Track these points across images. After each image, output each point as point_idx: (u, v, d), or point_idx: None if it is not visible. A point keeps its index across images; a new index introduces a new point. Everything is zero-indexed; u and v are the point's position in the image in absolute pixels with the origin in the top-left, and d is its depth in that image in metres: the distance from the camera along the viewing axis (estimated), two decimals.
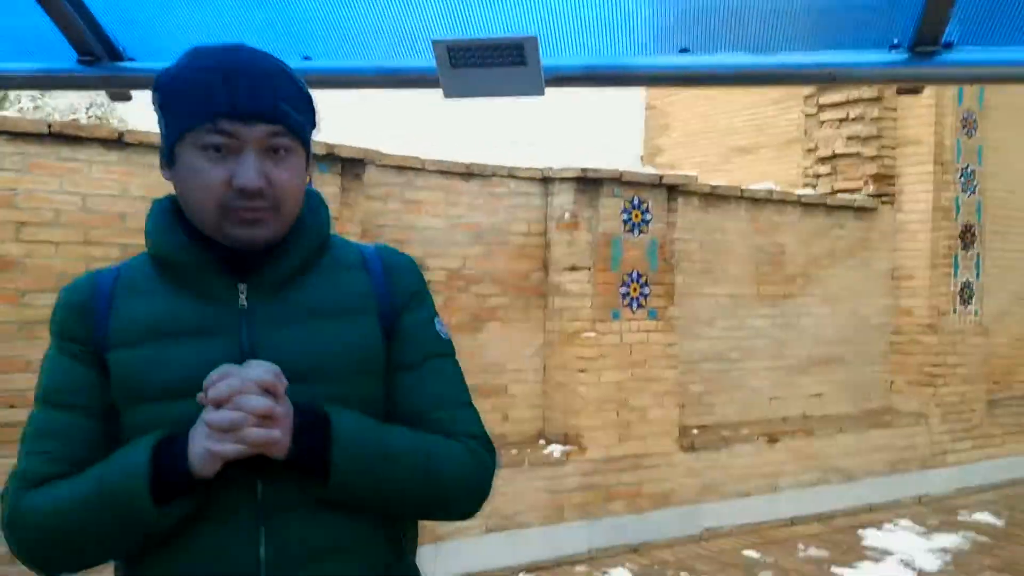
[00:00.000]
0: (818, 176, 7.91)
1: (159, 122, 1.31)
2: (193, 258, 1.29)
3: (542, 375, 5.69)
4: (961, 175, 7.58)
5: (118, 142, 4.33)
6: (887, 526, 6.34)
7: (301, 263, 1.33)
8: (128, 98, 2.52)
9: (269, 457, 1.19)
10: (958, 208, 7.56)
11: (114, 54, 2.36)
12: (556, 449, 5.37)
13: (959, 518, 6.69)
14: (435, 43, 2.16)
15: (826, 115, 7.84)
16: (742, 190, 6.54)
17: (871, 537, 6.11)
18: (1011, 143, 8.24)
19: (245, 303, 1.30)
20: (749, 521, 6.15)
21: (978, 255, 7.74)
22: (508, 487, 5.15)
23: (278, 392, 1.18)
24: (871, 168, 7.53)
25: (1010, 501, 7.30)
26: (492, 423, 5.21)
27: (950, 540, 6.10)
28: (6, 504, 1.27)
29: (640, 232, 5.66)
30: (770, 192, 6.75)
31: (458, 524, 5.00)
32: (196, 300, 1.30)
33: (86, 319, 1.32)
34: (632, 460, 5.62)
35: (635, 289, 5.63)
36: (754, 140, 9.65)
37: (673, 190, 5.86)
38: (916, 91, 2.81)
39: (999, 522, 6.65)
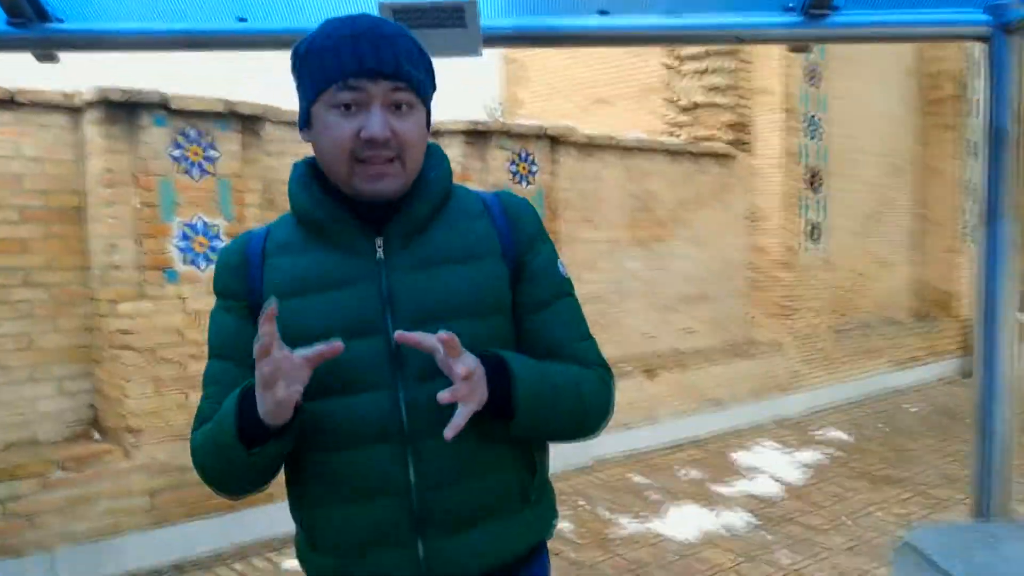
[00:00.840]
0: (679, 125, 8.36)
1: (297, 89, 1.45)
2: (330, 214, 1.43)
3: None
4: (808, 123, 8.20)
5: (11, 102, 4.24)
6: (754, 447, 6.94)
7: (429, 213, 1.45)
8: (55, 59, 2.56)
9: (416, 393, 1.37)
10: (805, 154, 8.19)
11: (43, 15, 2.41)
12: None
13: (815, 436, 7.38)
14: (382, 6, 2.32)
15: (686, 67, 8.28)
16: (615, 140, 6.89)
17: (741, 457, 6.68)
18: (850, 92, 8.94)
19: (382, 254, 1.43)
20: (634, 449, 6.61)
21: (824, 197, 8.42)
22: None
23: (455, 347, 1.29)
24: (728, 117, 8.03)
25: (856, 419, 8.08)
26: None
27: (810, 456, 6.74)
28: (190, 439, 1.46)
29: (528, 183, 5.93)
30: (640, 141, 7.13)
31: None
32: (337, 253, 1.44)
33: (241, 277, 1.47)
34: None
35: None
36: (613, 91, 10.02)
37: (555, 141, 6.15)
38: (807, 50, 3.17)
39: (849, 438, 7.37)
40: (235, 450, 1.32)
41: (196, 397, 4.52)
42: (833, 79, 8.49)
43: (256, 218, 4.77)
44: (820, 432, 7.49)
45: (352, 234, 1.43)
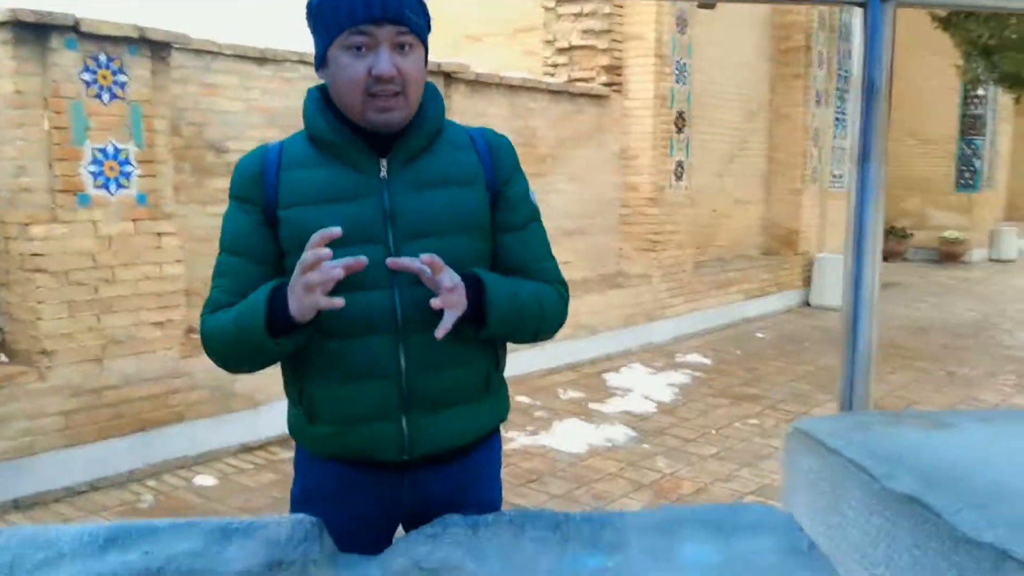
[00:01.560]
0: (556, 66, 8.71)
1: (312, 34, 1.68)
2: (344, 137, 1.66)
3: None
4: (676, 67, 8.69)
5: None
6: (624, 370, 7.50)
7: (426, 142, 1.70)
8: None
9: (409, 294, 1.63)
10: (673, 97, 8.71)
11: None
12: None
13: (678, 360, 8.02)
14: None
15: (563, 9, 8.61)
16: (502, 79, 7.17)
17: (613, 379, 7.23)
18: (711, 39, 9.49)
19: (385, 174, 1.68)
20: (517, 372, 7.04)
21: (688, 138, 8.99)
22: None
23: (438, 265, 1.56)
24: (603, 60, 8.44)
25: (713, 344, 8.80)
26: None
27: (675, 377, 7.36)
28: (200, 322, 1.71)
29: None
30: (524, 80, 7.44)
31: (273, 389, 5.38)
32: (347, 171, 1.67)
33: (258, 184, 1.70)
34: None
35: None
36: (483, 29, 10.22)
37: (448, 77, 6.38)
38: (712, 6, 3.56)
39: (709, 361, 8.06)
40: (262, 339, 1.58)
41: (110, 320, 4.63)
42: (697, 26, 9.00)
43: (165, 145, 4.84)
44: (683, 356, 8.14)
45: (361, 155, 1.67)
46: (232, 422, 5.16)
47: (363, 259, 1.54)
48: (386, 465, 1.74)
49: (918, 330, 9.74)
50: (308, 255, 1.51)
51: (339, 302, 1.53)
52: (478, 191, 1.74)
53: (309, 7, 1.67)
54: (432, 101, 1.74)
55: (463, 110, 6.76)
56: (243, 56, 5.43)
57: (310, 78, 5.78)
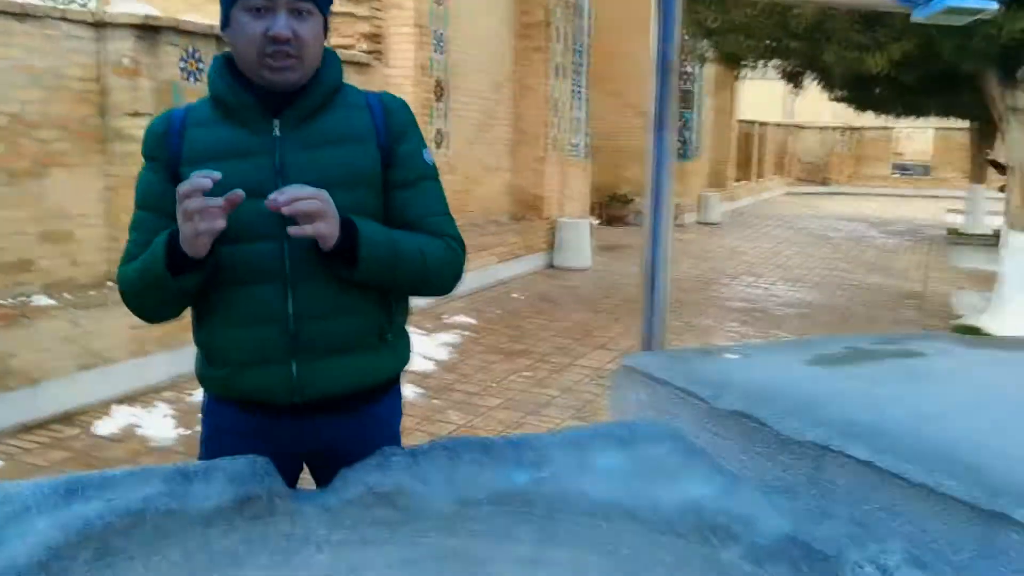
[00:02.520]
0: None
1: None
2: (238, 97, 1.76)
3: (105, 219, 5.82)
4: (434, 37, 8.93)
5: None
6: None
7: (319, 103, 1.80)
8: None
9: (297, 244, 1.71)
10: (432, 66, 8.95)
11: None
12: None
13: (446, 320, 8.34)
14: None
15: None
16: None
17: None
18: (464, 11, 9.82)
19: (278, 133, 1.77)
20: None
21: (447, 107, 9.27)
22: (95, 326, 5.35)
23: (323, 198, 1.62)
24: (363, 27, 8.51)
25: (477, 306, 9.21)
26: (60, 268, 5.34)
27: (447, 337, 7.68)
28: (117, 275, 1.82)
29: (196, 80, 5.97)
30: None
31: (52, 364, 5.11)
32: (243, 131, 1.77)
33: (164, 143, 1.79)
34: None
35: None
36: None
37: (220, 40, 6.22)
38: None
39: (475, 321, 8.45)
40: (163, 277, 1.67)
41: None
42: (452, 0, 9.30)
43: None
44: (450, 317, 8.47)
45: (254, 115, 1.77)
46: (9, 401, 4.84)
47: (240, 192, 1.61)
48: (280, 409, 1.84)
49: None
50: (184, 186, 1.59)
51: (220, 224, 1.61)
52: (369, 148, 1.83)
53: None
54: (329, 65, 1.85)
55: None
56: (1, 11, 5.03)
57: (74, 36, 5.48)
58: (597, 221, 14.10)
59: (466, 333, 7.89)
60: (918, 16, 3.62)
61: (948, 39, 7.05)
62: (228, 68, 1.78)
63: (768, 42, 7.78)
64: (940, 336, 3.65)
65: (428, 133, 8.90)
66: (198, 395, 5.70)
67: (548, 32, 11.55)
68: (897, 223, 20.31)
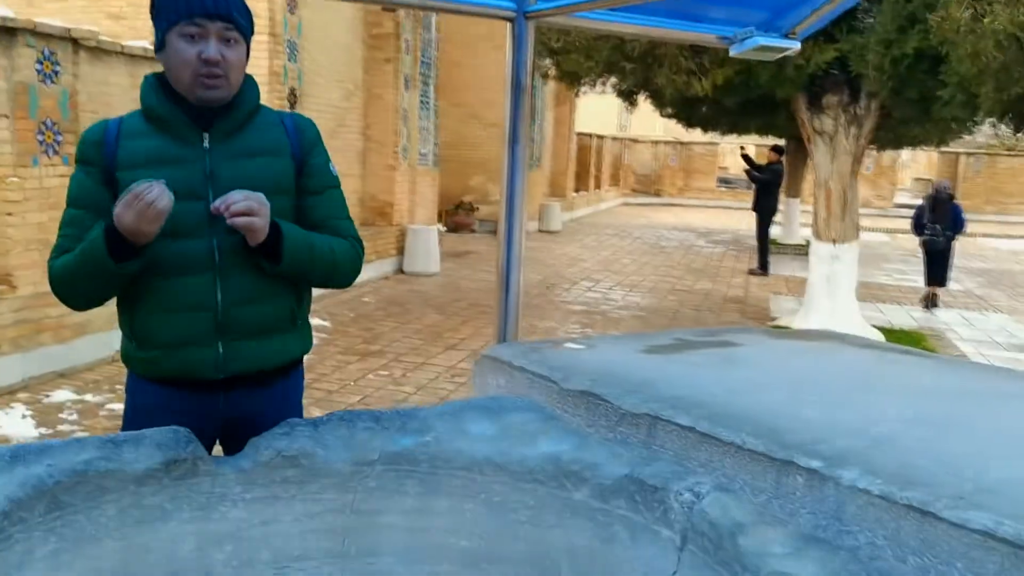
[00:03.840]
0: None
1: (153, 22, 2.03)
2: (171, 112, 2.04)
3: None
4: (287, 46, 9.09)
5: None
6: None
7: (243, 119, 2.11)
8: None
9: (226, 241, 2.01)
10: (286, 74, 9.10)
11: None
12: None
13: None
14: None
15: None
16: (123, 47, 7.07)
17: None
18: (315, 22, 10.00)
19: (207, 145, 2.07)
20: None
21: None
22: None
23: (260, 199, 1.97)
24: None
25: (328, 309, 9.41)
26: None
27: None
28: (48, 267, 2.05)
29: (52, 82, 5.96)
30: (146, 50, 7.37)
31: None
32: (175, 142, 2.05)
33: (100, 151, 2.05)
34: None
35: (50, 136, 5.97)
36: None
37: (76, 43, 6.23)
38: (394, 10, 4.17)
39: (328, 323, 8.67)
40: (104, 264, 1.90)
41: None
42: (303, 9, 9.46)
43: None
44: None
45: (186, 128, 2.06)
46: None
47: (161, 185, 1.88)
48: (204, 384, 2.13)
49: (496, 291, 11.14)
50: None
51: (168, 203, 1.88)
52: (284, 161, 2.14)
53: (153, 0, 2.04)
54: (249, 88, 2.16)
55: (85, 76, 6.61)
56: None
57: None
58: (444, 228, 14.49)
59: (321, 335, 8.10)
60: (735, 52, 4.20)
61: (764, 68, 7.83)
62: (160, 86, 2.06)
63: (605, 63, 8.37)
64: (753, 330, 4.21)
65: None
66: (55, 395, 5.76)
67: (397, 43, 11.85)
68: (722, 233, 21.66)
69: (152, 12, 2.04)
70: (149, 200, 1.84)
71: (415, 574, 2.15)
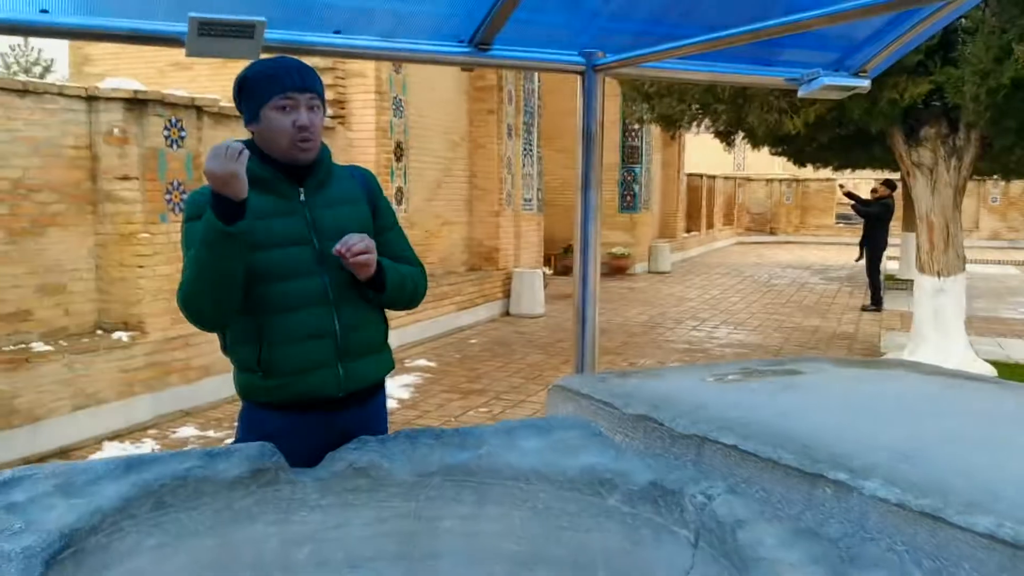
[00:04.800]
0: None
1: (245, 99, 2.39)
2: (272, 173, 2.38)
3: (95, 274, 6.37)
4: (393, 103, 9.63)
5: None
6: None
7: (326, 173, 2.47)
8: None
9: (336, 278, 2.35)
10: (392, 129, 9.64)
11: None
12: (123, 335, 6.19)
13: (408, 364, 8.92)
14: (191, 18, 3.19)
15: None
16: None
17: None
18: (421, 78, 10.55)
19: (303, 198, 2.42)
20: None
21: (406, 166, 9.95)
22: (88, 370, 5.88)
23: (370, 242, 2.31)
24: (329, 94, 9.17)
25: (436, 351, 9.81)
26: (55, 318, 5.88)
27: (409, 379, 8.26)
28: (176, 298, 2.33)
29: (179, 147, 6.59)
30: None
31: (49, 406, 5.62)
32: (272, 196, 2.38)
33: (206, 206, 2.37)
34: (183, 339, 6.66)
35: (177, 196, 6.58)
36: (191, 59, 10.51)
37: (200, 110, 6.85)
38: (472, 69, 4.52)
39: (434, 364, 9.05)
40: (217, 232, 2.15)
41: None
42: (409, 66, 10.00)
43: None
44: (412, 361, 9.07)
45: (284, 185, 2.40)
46: (12, 437, 5.34)
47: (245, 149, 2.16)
48: (326, 403, 2.45)
49: (601, 332, 11.36)
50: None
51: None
52: (363, 206, 2.51)
53: (244, 80, 2.41)
54: (324, 147, 2.52)
55: (207, 139, 7.23)
56: (6, 88, 5.63)
57: (69, 109, 6.08)
58: (550, 271, 14.82)
59: (426, 375, 8.48)
60: (803, 93, 4.37)
61: (856, 104, 7.88)
62: (254, 151, 2.41)
63: (697, 106, 8.57)
64: (821, 360, 4.32)
65: (389, 191, 9.57)
66: (181, 431, 6.28)
67: (500, 95, 12.33)
68: (838, 270, 21.27)
69: (241, 92, 2.40)
70: (224, 145, 2.15)
71: (472, 575, 2.40)
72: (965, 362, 8.48)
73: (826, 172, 20.11)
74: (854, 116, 7.98)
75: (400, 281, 2.47)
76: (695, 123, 9.30)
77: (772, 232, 33.20)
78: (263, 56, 3.62)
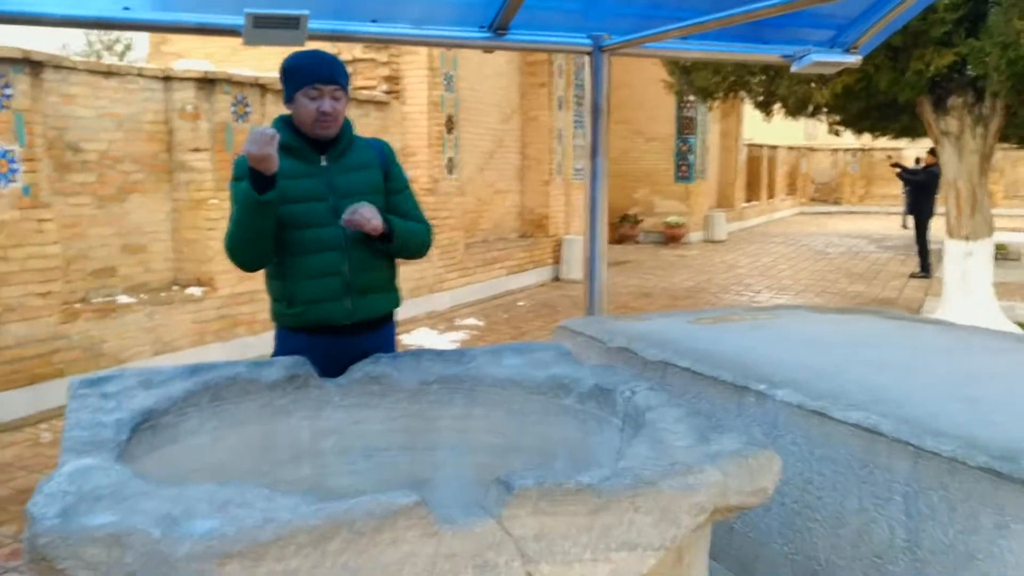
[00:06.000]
0: None
1: (285, 82, 2.99)
2: (299, 144, 2.99)
3: (171, 235, 7.14)
4: (444, 79, 10.22)
5: None
6: (415, 332, 8.96)
7: (347, 146, 3.06)
8: None
9: (355, 229, 2.94)
10: (443, 103, 10.24)
11: None
12: (196, 290, 6.95)
13: (457, 323, 9.57)
14: (246, 13, 3.80)
15: None
16: None
17: (407, 339, 8.67)
18: (471, 54, 11.10)
19: (324, 164, 3.01)
20: None
21: (457, 138, 10.56)
22: (166, 320, 6.65)
23: (374, 209, 2.89)
24: (384, 71, 9.82)
25: (485, 311, 10.45)
26: (137, 274, 6.64)
27: (457, 336, 8.91)
28: (224, 243, 2.96)
29: (244, 121, 7.30)
30: None
31: (132, 351, 6.40)
32: (299, 162, 2.98)
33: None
34: (249, 295, 7.40)
35: None
36: None
37: (264, 88, 7.56)
38: (491, 51, 5.06)
39: (482, 323, 9.68)
40: (252, 198, 2.65)
41: (4, 292, 5.51)
42: None
43: (42, 146, 5.76)
44: (461, 320, 9.73)
45: (309, 153, 3.00)
46: None
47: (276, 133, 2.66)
48: (337, 329, 3.06)
49: (644, 295, 11.89)
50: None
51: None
52: (376, 171, 3.05)
53: (284, 67, 3.00)
54: (347, 126, 3.10)
55: (270, 114, 7.89)
56: (93, 70, 6.38)
57: (148, 88, 6.81)
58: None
59: (473, 332, 9.12)
60: (795, 69, 4.85)
61: (882, 75, 8.22)
62: (285, 125, 3.02)
63: (732, 78, 8.98)
64: (801, 308, 4.81)
65: (440, 161, 10.20)
66: None
67: (551, 69, 12.83)
68: (896, 239, 21.28)
69: (283, 75, 3.02)
70: (260, 130, 2.70)
71: (463, 463, 2.99)
72: (993, 323, 8.80)
73: (893, 142, 20.12)
74: (881, 86, 8.32)
75: (405, 234, 2.99)
76: (731, 94, 9.70)
77: (836, 202, 33.04)
78: (308, 44, 4.25)
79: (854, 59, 5.07)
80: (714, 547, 3.34)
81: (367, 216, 2.85)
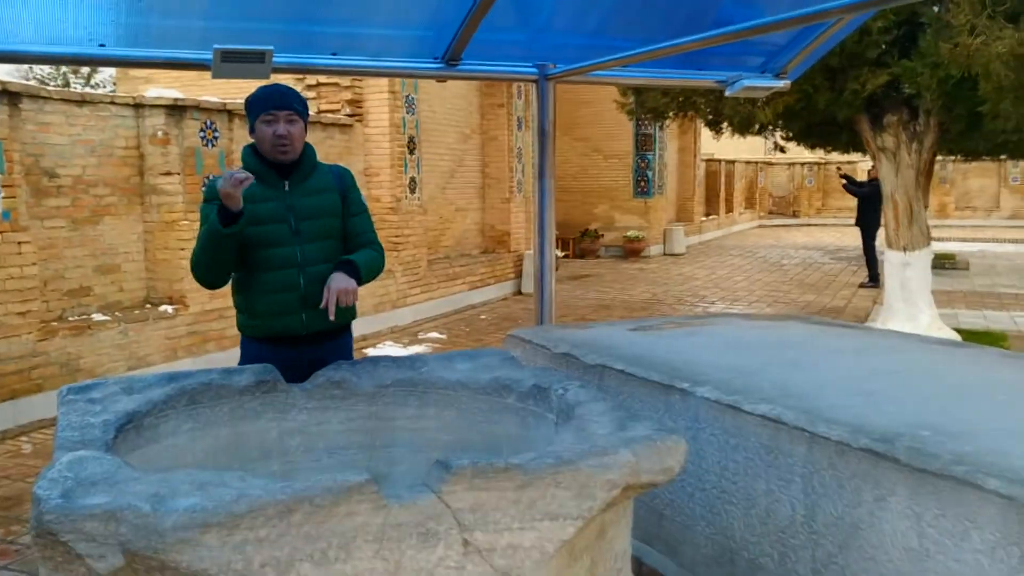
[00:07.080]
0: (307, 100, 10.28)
1: (248, 114, 3.31)
2: (263, 169, 3.29)
3: (144, 256, 7.39)
4: (406, 101, 10.56)
5: None
6: (379, 345, 9.25)
7: (308, 171, 3.35)
8: None
9: (308, 250, 3.29)
10: (404, 125, 10.56)
11: None
12: (168, 308, 7.21)
13: (420, 337, 9.87)
14: (215, 49, 4.11)
15: None
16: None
17: (371, 352, 8.94)
18: None
19: (287, 188, 3.32)
20: None
21: (418, 158, 10.89)
22: (139, 337, 6.90)
23: (353, 285, 3.24)
24: (346, 95, 10.14)
25: (447, 325, 10.76)
26: (111, 293, 6.89)
27: (420, 349, 9.21)
28: (190, 261, 3.28)
29: (212, 146, 7.58)
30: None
31: (107, 366, 6.65)
32: (263, 186, 3.29)
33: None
34: (218, 312, 7.67)
35: None
36: None
37: (231, 114, 7.85)
38: (445, 80, 5.39)
39: (445, 336, 9.99)
40: (217, 230, 2.94)
41: None
42: None
43: (20, 172, 6.01)
44: (425, 334, 10.03)
45: (273, 178, 3.29)
46: None
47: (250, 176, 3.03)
48: (294, 339, 3.34)
49: (603, 307, 12.26)
50: (230, 173, 3.07)
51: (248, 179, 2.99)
52: (335, 195, 3.34)
53: (248, 101, 3.30)
54: (310, 151, 3.41)
55: (238, 139, 8.18)
56: (67, 99, 6.64)
57: (119, 115, 7.08)
58: (563, 254, 15.70)
59: (435, 345, 9.43)
60: (729, 93, 5.22)
61: (821, 95, 8.67)
62: (253, 152, 3.33)
63: (681, 99, 9.40)
64: (733, 316, 5.18)
65: (402, 181, 10.51)
66: None
67: (510, 90, 13.20)
68: (851, 250, 21.86)
69: (246, 108, 3.34)
70: (231, 173, 3.00)
71: (418, 460, 3.29)
72: (931, 330, 9.24)
73: (848, 156, 20.72)
74: (820, 106, 8.77)
75: (368, 271, 3.31)
76: (680, 114, 10.12)
77: (795, 215, 33.75)
78: (274, 77, 4.55)
79: (783, 84, 5.47)
80: (646, 532, 3.70)
81: (340, 294, 3.17)
